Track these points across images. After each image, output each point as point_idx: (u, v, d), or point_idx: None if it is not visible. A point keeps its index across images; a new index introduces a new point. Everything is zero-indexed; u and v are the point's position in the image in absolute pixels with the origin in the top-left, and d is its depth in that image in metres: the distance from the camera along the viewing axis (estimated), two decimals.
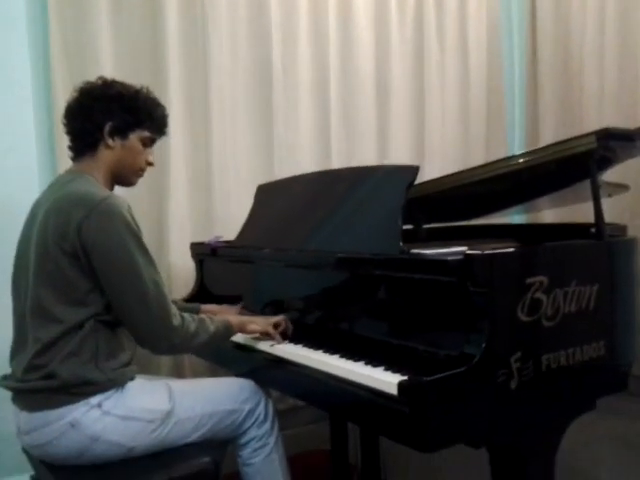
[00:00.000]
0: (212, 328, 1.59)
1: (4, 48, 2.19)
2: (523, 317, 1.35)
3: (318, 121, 2.91)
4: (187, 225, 2.57)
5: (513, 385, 1.33)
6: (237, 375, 2.00)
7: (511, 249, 1.43)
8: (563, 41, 3.34)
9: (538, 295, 1.38)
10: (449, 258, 1.35)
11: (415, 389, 1.22)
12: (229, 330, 1.67)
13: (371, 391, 1.34)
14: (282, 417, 1.81)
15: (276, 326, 1.74)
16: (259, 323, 1.74)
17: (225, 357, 1.98)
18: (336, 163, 2.91)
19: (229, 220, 2.58)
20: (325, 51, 2.89)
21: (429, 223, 2.43)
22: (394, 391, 1.27)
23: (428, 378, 1.21)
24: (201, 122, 2.60)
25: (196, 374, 2.49)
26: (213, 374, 2.50)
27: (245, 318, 1.76)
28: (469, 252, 1.32)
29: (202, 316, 1.60)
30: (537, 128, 3.45)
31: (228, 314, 1.85)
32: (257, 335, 1.76)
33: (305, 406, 2.48)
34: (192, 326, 1.53)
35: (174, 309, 1.50)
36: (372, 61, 3.03)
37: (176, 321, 1.48)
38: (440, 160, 3.15)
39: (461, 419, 1.28)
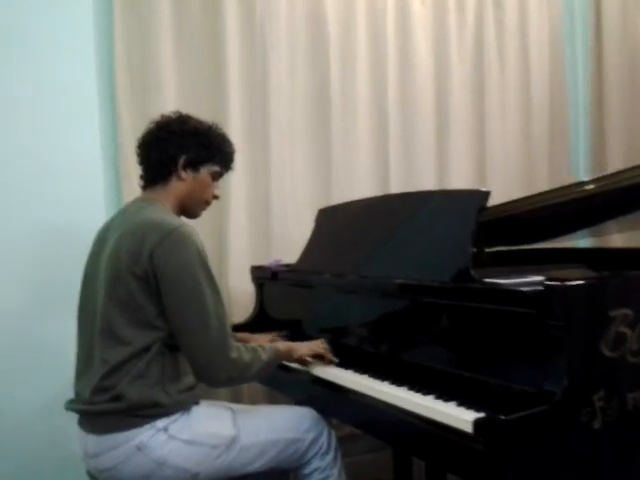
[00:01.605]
0: (264, 357, 1.57)
1: (72, 77, 2.25)
2: (606, 352, 1.28)
3: (376, 145, 2.88)
4: (246, 248, 2.57)
5: (597, 425, 1.25)
6: (296, 402, 1.98)
7: (592, 279, 1.36)
8: (630, 62, 3.24)
9: (622, 329, 1.30)
10: (527, 289, 1.29)
11: (493, 428, 1.17)
12: (279, 357, 1.65)
13: (443, 427, 1.30)
14: (340, 444, 1.77)
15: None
16: (306, 347, 1.75)
17: (283, 383, 1.95)
18: (394, 187, 2.87)
19: (287, 243, 2.57)
20: (384, 74, 2.87)
21: (491, 247, 2.37)
22: (469, 429, 1.22)
23: (507, 417, 1.16)
24: (260, 146, 2.61)
25: (254, 399, 2.47)
26: (271, 399, 2.48)
27: (292, 344, 1.76)
28: (548, 283, 1.26)
29: (254, 345, 1.59)
30: (603, 151, 3.33)
31: (261, 342, 1.84)
32: (309, 360, 1.76)
33: (364, 434, 2.43)
34: (247, 357, 1.51)
35: (233, 342, 1.49)
36: (431, 84, 2.99)
37: (234, 354, 1.47)
38: (501, 184, 3.07)
39: (541, 460, 1.21)
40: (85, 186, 2.27)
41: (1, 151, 2.12)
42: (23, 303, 2.15)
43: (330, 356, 1.75)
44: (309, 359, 1.76)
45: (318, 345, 1.77)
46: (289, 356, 1.72)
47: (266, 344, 1.67)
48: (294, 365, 1.79)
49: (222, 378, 1.48)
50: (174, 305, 1.45)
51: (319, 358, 1.76)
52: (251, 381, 1.78)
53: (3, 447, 2.09)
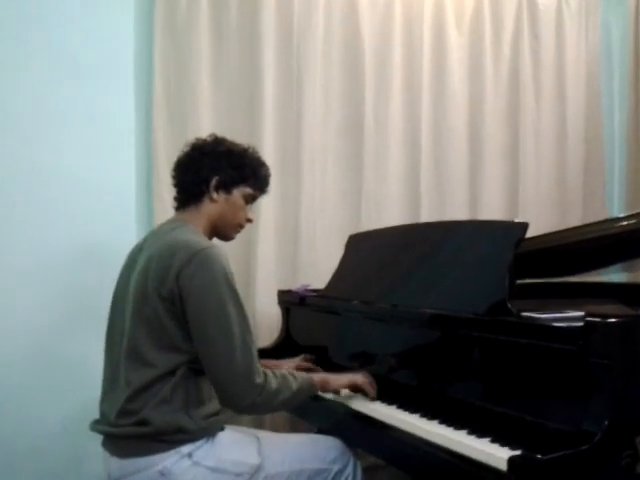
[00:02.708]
0: (295, 386, 1.52)
1: (111, 96, 2.29)
2: None
3: (408, 174, 2.87)
4: (273, 272, 2.56)
5: (639, 469, 1.20)
6: (320, 430, 1.94)
7: (636, 317, 1.31)
8: None
9: None
10: (567, 325, 1.25)
11: (529, 467, 1.13)
12: (312, 388, 1.59)
13: (475, 464, 1.25)
14: (365, 474, 1.73)
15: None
16: (345, 377, 1.68)
17: (307, 410, 1.91)
18: (425, 216, 2.84)
19: (315, 269, 2.56)
20: (418, 105, 2.87)
21: (521, 279, 2.32)
22: (503, 467, 1.18)
23: (544, 457, 1.11)
24: (292, 172, 2.62)
25: (275, 425, 2.44)
26: (293, 426, 2.45)
27: (328, 375, 1.69)
28: (590, 319, 1.22)
29: (285, 372, 1.54)
30: (639, 185, 3.27)
31: (285, 368, 1.80)
32: (346, 391, 1.70)
33: (389, 464, 2.37)
34: (274, 383, 1.46)
35: (259, 366, 1.45)
36: (465, 115, 2.98)
37: (259, 379, 1.43)
38: (534, 215, 3.01)
39: None
40: (117, 207, 2.30)
41: (35, 169, 2.16)
42: (51, 322, 2.17)
43: (371, 391, 1.66)
44: (345, 391, 1.70)
45: (359, 378, 1.68)
46: (324, 387, 1.65)
47: (298, 373, 1.61)
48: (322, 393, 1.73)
49: (245, 404, 1.43)
50: (198, 326, 1.43)
51: (357, 391, 1.69)
52: (278, 410, 1.71)
53: (23, 464, 2.09)
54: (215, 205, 1.62)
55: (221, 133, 1.72)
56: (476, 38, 3.00)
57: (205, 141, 1.65)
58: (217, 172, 1.60)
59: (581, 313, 1.29)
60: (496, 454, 1.21)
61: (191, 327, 1.43)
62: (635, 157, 3.29)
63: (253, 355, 1.44)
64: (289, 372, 1.56)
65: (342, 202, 2.75)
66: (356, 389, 1.69)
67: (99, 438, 1.54)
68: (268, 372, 1.48)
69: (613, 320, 1.23)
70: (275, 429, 2.38)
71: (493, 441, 1.29)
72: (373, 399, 1.65)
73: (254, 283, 2.51)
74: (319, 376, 1.66)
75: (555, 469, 1.13)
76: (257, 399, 1.42)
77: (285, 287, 2.42)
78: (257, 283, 2.51)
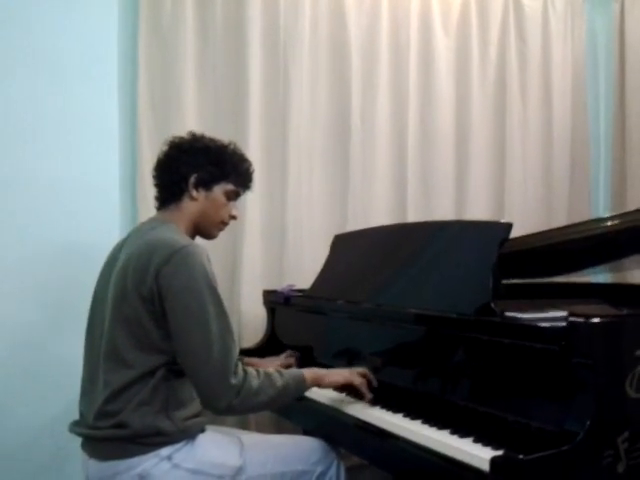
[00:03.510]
0: (280, 383, 1.46)
1: (96, 97, 2.27)
2: (632, 393, 1.23)
3: (394, 174, 2.87)
4: (259, 272, 2.55)
5: (620, 469, 1.20)
6: (305, 431, 1.93)
7: (618, 317, 1.31)
8: None
9: None
10: (549, 324, 1.25)
11: (511, 467, 1.12)
12: (301, 385, 1.53)
13: (458, 464, 1.25)
14: (348, 474, 1.72)
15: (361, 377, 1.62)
16: (339, 374, 1.61)
17: (292, 410, 1.90)
18: (411, 217, 2.84)
19: (301, 269, 2.55)
20: (404, 105, 2.87)
21: (507, 279, 2.33)
22: (485, 467, 1.17)
23: (526, 456, 1.10)
24: (277, 171, 2.61)
25: (260, 426, 2.42)
26: (278, 427, 2.43)
27: (322, 370, 1.61)
28: (573, 319, 1.22)
29: (270, 370, 1.49)
30: (624, 185, 3.28)
31: (269, 366, 1.77)
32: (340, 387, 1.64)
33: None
34: (255, 382, 1.41)
35: (238, 367, 1.41)
36: (452, 115, 2.99)
37: (235, 380, 1.38)
38: (520, 216, 3.02)
39: None
40: (101, 206, 2.27)
41: (19, 170, 2.14)
42: (34, 321, 2.14)
43: (367, 395, 1.59)
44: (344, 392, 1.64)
45: (356, 379, 1.60)
46: (317, 383, 1.58)
47: (287, 370, 1.57)
48: (311, 395, 1.68)
49: (221, 405, 1.38)
50: (177, 325, 1.40)
51: (350, 390, 1.63)
52: (263, 409, 1.63)
53: (5, 466, 2.06)
54: (196, 203, 1.59)
55: (206, 131, 1.70)
56: (463, 40, 3.00)
57: (183, 139, 1.62)
58: (196, 169, 1.58)
59: (564, 313, 1.28)
60: (478, 454, 1.21)
61: (170, 326, 1.41)
62: (620, 158, 3.31)
63: (231, 356, 1.40)
64: (276, 369, 1.52)
65: (328, 202, 2.74)
66: (351, 388, 1.63)
67: (80, 439, 1.52)
68: (250, 371, 1.43)
69: (596, 320, 1.22)
70: (260, 430, 2.36)
71: (476, 441, 1.28)
72: (369, 401, 1.59)
73: (239, 283, 2.50)
74: (310, 371, 1.58)
75: (537, 469, 1.12)
76: (234, 400, 1.38)
77: (271, 287, 2.40)
78: (242, 283, 2.50)
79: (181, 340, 1.40)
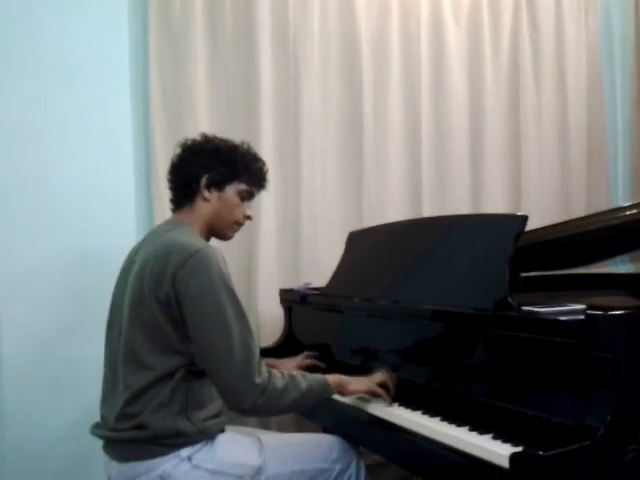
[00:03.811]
0: (304, 385, 1.46)
1: (107, 101, 2.27)
2: None
3: (409, 168, 2.85)
4: (275, 272, 2.55)
5: None
6: (325, 429, 1.93)
7: (636, 309, 1.29)
8: None
9: None
10: (568, 318, 1.23)
11: (531, 464, 1.11)
12: (325, 389, 1.53)
13: (477, 461, 1.24)
14: (369, 472, 1.71)
15: (382, 385, 1.60)
16: (362, 382, 1.60)
17: (312, 409, 1.90)
18: (426, 211, 2.83)
19: (317, 267, 2.54)
20: (417, 98, 2.85)
21: (526, 272, 2.30)
22: (505, 464, 1.16)
23: (546, 453, 1.09)
24: (291, 169, 2.61)
25: (281, 425, 2.43)
26: (299, 426, 2.44)
27: (345, 378, 1.60)
28: (590, 312, 1.20)
29: (294, 373, 1.50)
30: None
31: (287, 367, 1.78)
32: (362, 395, 1.62)
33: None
34: (279, 383, 1.42)
35: (261, 367, 1.42)
36: (466, 107, 2.96)
37: (259, 379, 1.38)
38: (537, 208, 3.00)
39: None
40: (117, 209, 2.28)
41: (34, 173, 2.15)
42: (52, 325, 2.16)
43: (388, 398, 1.58)
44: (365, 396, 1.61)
45: (379, 390, 1.59)
46: (340, 390, 1.58)
47: (311, 374, 1.56)
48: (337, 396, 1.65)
49: (246, 405, 1.39)
50: (197, 329, 1.41)
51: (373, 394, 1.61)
52: (288, 411, 1.61)
53: (29, 468, 2.08)
54: (209, 204, 1.59)
55: (219, 132, 1.70)
56: (474, 30, 2.97)
57: (194, 141, 1.63)
58: (207, 170, 1.58)
59: (582, 306, 1.27)
60: (498, 451, 1.20)
61: (190, 330, 1.42)
62: (638, 146, 3.25)
63: (253, 355, 1.41)
64: (300, 373, 1.52)
65: (343, 198, 2.73)
66: (374, 394, 1.60)
67: (101, 441, 1.53)
68: (275, 372, 1.44)
69: (615, 313, 1.20)
70: (280, 429, 2.38)
71: (495, 437, 1.27)
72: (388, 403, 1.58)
73: (256, 283, 2.50)
74: (334, 378, 1.58)
75: (558, 465, 1.11)
76: (258, 400, 1.38)
77: (287, 286, 2.40)
78: (259, 283, 2.50)
79: (202, 343, 1.41)
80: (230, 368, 1.38)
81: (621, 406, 1.16)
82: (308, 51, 2.62)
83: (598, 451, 1.13)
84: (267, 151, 2.47)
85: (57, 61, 2.19)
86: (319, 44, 2.66)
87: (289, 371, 1.52)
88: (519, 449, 1.17)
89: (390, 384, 1.61)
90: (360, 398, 1.63)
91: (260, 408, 1.41)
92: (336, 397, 1.67)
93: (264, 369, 1.42)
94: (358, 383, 1.60)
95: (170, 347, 1.44)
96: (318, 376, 1.55)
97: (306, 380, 1.48)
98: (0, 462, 2.08)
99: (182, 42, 2.44)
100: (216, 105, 2.51)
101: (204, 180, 1.58)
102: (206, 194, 1.58)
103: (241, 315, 1.43)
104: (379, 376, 1.63)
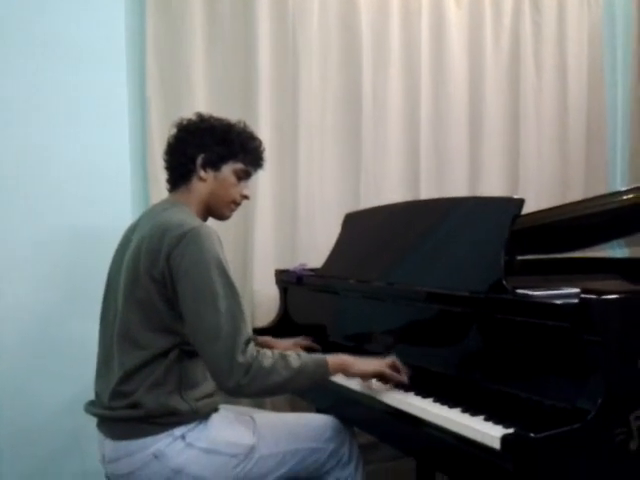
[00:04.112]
0: (296, 364, 1.41)
1: (103, 81, 2.25)
2: None
3: (407, 150, 2.83)
4: (271, 252, 2.54)
5: (633, 446, 1.19)
6: (318, 409, 1.94)
7: (630, 293, 1.29)
8: None
9: None
10: (561, 302, 1.23)
11: (522, 446, 1.12)
12: (322, 369, 1.47)
13: (469, 442, 1.25)
14: (361, 451, 1.72)
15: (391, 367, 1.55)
16: (370, 363, 1.55)
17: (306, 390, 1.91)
18: (424, 191, 2.82)
19: (313, 248, 2.54)
20: (417, 78, 2.82)
21: (522, 255, 2.30)
22: (496, 445, 1.17)
23: (538, 435, 1.10)
24: (289, 149, 2.59)
25: (275, 406, 2.44)
26: (293, 406, 2.45)
27: (349, 358, 1.54)
28: (584, 296, 1.20)
29: (287, 352, 1.47)
30: None
31: (283, 346, 1.77)
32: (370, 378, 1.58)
33: None
34: (266, 362, 1.37)
35: (249, 346, 1.38)
36: (465, 88, 2.94)
37: (242, 358, 1.34)
38: (535, 190, 3.00)
39: None
40: (112, 189, 2.26)
41: (29, 154, 2.13)
42: (48, 305, 2.16)
43: (399, 378, 1.53)
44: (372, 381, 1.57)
45: (387, 371, 1.54)
46: (343, 371, 1.53)
47: (308, 354, 1.52)
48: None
49: (230, 384, 1.36)
50: (187, 306, 1.40)
51: (380, 378, 1.56)
52: (279, 391, 1.53)
53: (24, 447, 2.10)
54: (205, 184, 1.59)
55: (216, 112, 1.69)
56: (475, 11, 2.94)
57: (189, 120, 1.62)
58: (202, 150, 1.57)
59: (577, 290, 1.27)
60: (490, 432, 1.20)
61: (181, 307, 1.42)
62: (638, 131, 3.24)
63: (241, 334, 1.37)
64: (295, 352, 1.48)
65: (340, 180, 2.71)
66: (382, 377, 1.56)
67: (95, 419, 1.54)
68: (264, 351, 1.41)
69: (608, 297, 1.21)
70: (275, 409, 2.39)
71: (487, 419, 1.27)
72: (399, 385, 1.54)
73: (252, 263, 2.50)
74: (335, 358, 1.51)
75: (548, 447, 1.11)
76: (242, 379, 1.34)
77: (283, 266, 2.40)
78: (255, 263, 2.49)
79: (191, 320, 1.41)
80: (216, 346, 1.36)
81: (612, 389, 1.17)
82: (307, 31, 2.58)
83: (589, 433, 1.14)
84: (265, 131, 2.45)
85: (53, 42, 2.16)
86: (318, 24, 2.62)
87: (284, 350, 1.50)
88: (511, 431, 1.18)
89: (399, 366, 1.56)
90: (366, 382, 1.58)
91: (245, 387, 1.36)
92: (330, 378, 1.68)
93: (252, 348, 1.38)
94: (364, 364, 1.55)
95: (165, 326, 1.44)
96: (316, 356, 1.52)
97: (300, 358, 1.44)
98: None
99: (179, 22, 2.40)
100: (214, 85, 2.48)
101: (200, 160, 1.57)
102: (202, 174, 1.58)
103: (232, 294, 1.41)
104: (387, 359, 1.57)
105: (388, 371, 1.54)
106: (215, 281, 1.40)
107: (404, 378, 1.54)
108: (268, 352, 1.42)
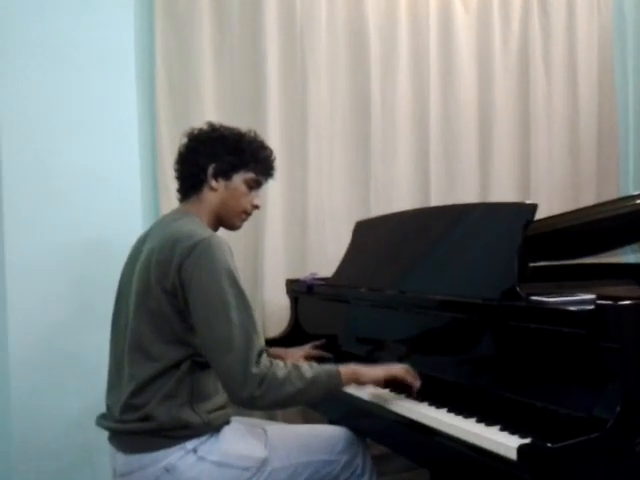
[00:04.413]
0: (309, 375, 1.40)
1: (113, 92, 2.26)
2: None
3: (417, 157, 2.82)
4: (282, 261, 2.53)
5: None
6: (331, 420, 1.92)
7: None
8: None
9: None
10: (576, 308, 1.21)
11: (539, 456, 1.10)
12: (334, 379, 1.45)
13: (485, 453, 1.23)
14: (375, 462, 1.70)
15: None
16: (381, 368, 1.53)
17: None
18: (434, 198, 2.80)
19: (324, 256, 2.53)
20: (425, 85, 2.81)
21: (535, 261, 2.28)
22: (513, 455, 1.15)
23: (554, 444, 1.08)
24: (298, 157, 2.59)
25: (287, 417, 2.42)
26: (305, 417, 2.43)
27: (360, 367, 1.53)
28: (600, 302, 1.18)
29: (301, 363, 1.46)
30: None
31: (294, 356, 1.76)
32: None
33: None
34: (280, 373, 1.37)
35: (262, 357, 1.37)
36: (475, 93, 2.92)
37: (256, 369, 1.33)
38: (546, 195, 2.97)
39: None
40: (122, 200, 2.26)
41: (39, 165, 2.14)
42: (58, 316, 2.15)
43: (412, 380, 1.52)
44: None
45: (398, 371, 1.53)
46: (355, 381, 1.51)
47: (320, 365, 1.49)
48: None
49: (243, 396, 1.34)
50: (199, 317, 1.39)
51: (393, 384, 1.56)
52: (293, 402, 1.49)
53: (36, 460, 2.09)
54: (216, 193, 1.58)
55: (225, 121, 1.69)
56: (484, 15, 2.93)
57: (200, 130, 1.62)
58: (213, 159, 1.56)
59: (592, 296, 1.25)
60: (505, 442, 1.18)
61: (192, 318, 1.41)
62: None
63: (254, 345, 1.37)
64: (308, 363, 1.48)
65: (350, 187, 2.71)
66: (393, 384, 1.55)
67: (107, 432, 1.53)
68: (277, 362, 1.40)
69: (624, 303, 1.18)
70: (287, 420, 2.37)
71: (502, 429, 1.25)
72: (418, 390, 1.53)
73: (262, 273, 2.49)
74: (347, 368, 1.50)
75: (566, 457, 1.09)
76: (256, 391, 1.33)
77: (294, 276, 2.39)
78: (265, 273, 2.48)
79: (203, 332, 1.39)
80: (229, 357, 1.35)
81: (631, 397, 1.15)
82: (315, 39, 2.59)
83: (607, 443, 1.12)
84: (274, 140, 2.45)
85: (62, 50, 2.17)
86: (326, 31, 2.62)
87: (296, 361, 1.49)
88: (527, 441, 1.16)
89: (412, 373, 1.55)
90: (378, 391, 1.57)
91: (258, 399, 1.35)
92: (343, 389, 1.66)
93: (265, 359, 1.38)
94: (376, 370, 1.54)
95: (176, 338, 1.43)
96: (328, 366, 1.50)
97: (313, 370, 1.43)
98: (7, 453, 2.08)
99: (188, 30, 2.41)
100: (222, 94, 2.49)
101: (211, 169, 1.56)
102: (213, 183, 1.57)
103: (244, 305, 1.40)
104: (397, 365, 1.56)
105: (400, 373, 1.53)
106: (227, 292, 1.39)
107: (417, 383, 1.52)
108: (281, 363, 1.41)
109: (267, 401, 1.37)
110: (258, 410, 2.00)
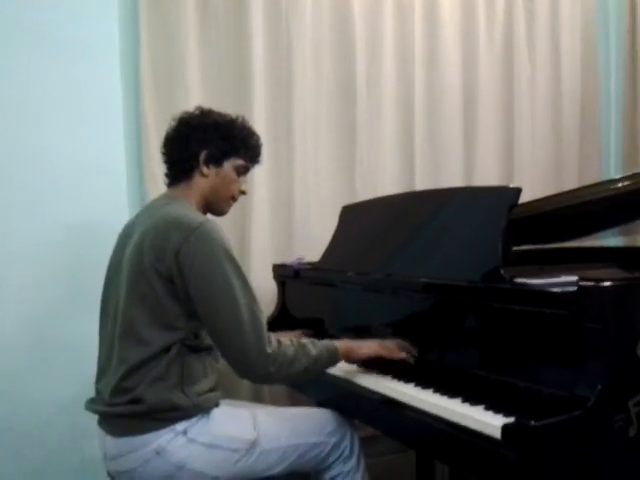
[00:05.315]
0: (314, 352, 1.47)
1: (97, 76, 2.24)
2: None
3: (402, 139, 2.83)
4: (268, 245, 2.54)
5: (632, 432, 1.20)
6: (319, 403, 1.94)
7: (628, 280, 1.30)
8: None
9: None
10: (559, 290, 1.24)
11: (523, 434, 1.12)
12: (334, 356, 1.53)
13: (469, 432, 1.25)
14: (363, 445, 1.73)
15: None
16: (368, 347, 1.58)
17: (305, 384, 1.91)
18: (419, 182, 2.82)
19: (310, 240, 2.53)
20: (410, 69, 2.81)
21: (518, 245, 2.31)
22: (497, 434, 1.17)
23: (538, 423, 1.10)
24: (283, 141, 2.58)
25: (274, 399, 2.44)
26: (292, 400, 2.45)
27: (353, 342, 1.60)
28: (582, 283, 1.20)
29: (304, 340, 1.51)
30: (636, 146, 3.23)
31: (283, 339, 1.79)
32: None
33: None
34: (290, 351, 1.43)
35: (270, 336, 1.43)
36: (459, 77, 2.93)
37: (270, 348, 1.39)
38: (530, 179, 3.00)
39: (572, 468, 1.16)
40: (108, 185, 2.25)
41: (25, 150, 2.12)
42: (46, 302, 2.15)
43: (399, 355, 1.57)
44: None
45: (382, 347, 1.58)
46: (347, 357, 1.58)
47: (319, 341, 1.54)
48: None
49: (260, 374, 1.41)
50: (204, 303, 1.41)
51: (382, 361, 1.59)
52: (299, 379, 1.55)
53: (23, 445, 2.10)
54: (206, 179, 1.59)
55: (210, 105, 1.68)
56: (468, 0, 2.92)
57: (192, 114, 1.61)
58: (206, 145, 1.57)
59: (574, 278, 1.27)
60: (490, 422, 1.20)
61: (197, 305, 1.42)
62: (632, 117, 3.25)
63: (262, 325, 1.42)
64: (310, 340, 1.53)
65: (336, 171, 2.70)
66: (383, 359, 1.59)
67: (97, 416, 1.54)
68: (284, 340, 1.45)
69: (606, 284, 1.21)
70: (274, 403, 2.39)
71: (487, 408, 1.27)
72: (411, 360, 1.58)
73: (249, 257, 2.49)
74: (342, 343, 1.57)
75: (549, 435, 1.12)
76: (271, 368, 1.39)
77: (281, 260, 2.40)
78: (252, 257, 2.49)
79: (210, 317, 1.41)
80: (241, 339, 1.38)
81: (611, 376, 1.17)
82: (300, 23, 2.57)
83: (588, 420, 1.15)
84: (259, 124, 2.43)
85: (47, 35, 2.15)
86: (311, 16, 2.60)
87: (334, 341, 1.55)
88: (511, 420, 1.18)
89: (404, 345, 1.60)
90: (350, 367, 1.62)
91: (272, 376, 1.42)
92: (329, 370, 1.68)
93: (273, 338, 1.43)
94: (364, 347, 1.59)
95: (168, 322, 1.44)
96: (327, 342, 1.55)
97: (315, 347, 1.49)
98: None
99: (173, 16, 2.38)
100: (207, 78, 2.46)
101: (203, 156, 1.57)
102: (204, 170, 1.58)
103: (246, 286, 1.43)
104: (387, 341, 1.61)
105: (384, 351, 1.57)
106: (230, 276, 1.40)
107: (407, 356, 1.57)
108: (287, 341, 1.46)
109: (280, 377, 1.46)
110: (273, 384, 2.16)
